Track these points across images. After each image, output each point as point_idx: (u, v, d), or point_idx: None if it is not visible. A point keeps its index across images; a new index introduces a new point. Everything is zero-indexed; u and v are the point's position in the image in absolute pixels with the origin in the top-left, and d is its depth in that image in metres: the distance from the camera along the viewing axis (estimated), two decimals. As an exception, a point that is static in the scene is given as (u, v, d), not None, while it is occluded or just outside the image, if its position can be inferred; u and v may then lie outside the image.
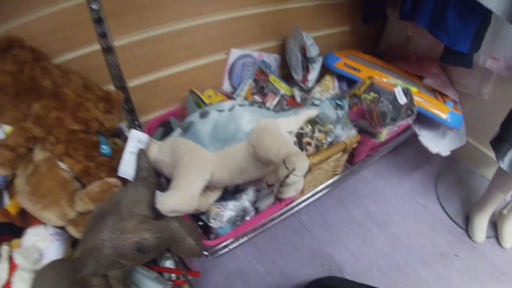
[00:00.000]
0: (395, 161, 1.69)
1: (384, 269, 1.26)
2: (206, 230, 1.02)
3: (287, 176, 0.75)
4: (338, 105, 1.07)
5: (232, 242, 1.09)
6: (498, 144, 1.13)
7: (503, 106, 1.11)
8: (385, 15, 1.68)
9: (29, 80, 0.89)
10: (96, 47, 1.06)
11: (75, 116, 0.90)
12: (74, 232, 0.88)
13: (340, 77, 1.40)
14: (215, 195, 0.98)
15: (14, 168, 0.88)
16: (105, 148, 0.95)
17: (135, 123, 1.23)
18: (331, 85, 1.32)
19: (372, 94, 1.11)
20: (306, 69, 1.30)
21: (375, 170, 1.64)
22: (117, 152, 0.98)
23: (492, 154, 1.18)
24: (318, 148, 1.07)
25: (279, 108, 1.04)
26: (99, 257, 0.73)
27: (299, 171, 0.75)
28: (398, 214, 1.45)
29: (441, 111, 1.26)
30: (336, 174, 1.31)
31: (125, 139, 1.07)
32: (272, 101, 1.29)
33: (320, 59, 1.33)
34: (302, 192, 1.23)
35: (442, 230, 1.41)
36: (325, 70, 1.41)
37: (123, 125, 1.15)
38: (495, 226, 1.42)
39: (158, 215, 0.82)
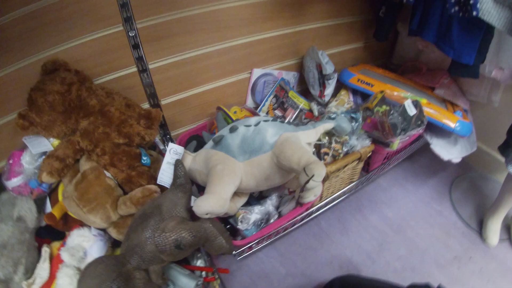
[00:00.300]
0: (411, 168, 1.77)
1: (400, 271, 1.33)
2: (234, 232, 1.13)
3: (307, 182, 0.86)
4: (352, 118, 1.18)
5: (257, 244, 1.18)
6: (505, 150, 1.20)
7: None
8: (396, 31, 1.78)
9: (76, 99, 1.03)
10: (133, 69, 1.20)
11: (119, 131, 1.02)
12: (115, 233, 0.99)
13: (355, 92, 1.51)
14: (242, 200, 1.10)
15: (62, 177, 0.99)
16: (145, 159, 1.07)
17: (167, 137, 1.38)
18: (346, 99, 1.44)
19: (384, 107, 1.23)
20: (322, 85, 1.43)
21: (391, 177, 1.72)
22: (153, 162, 1.11)
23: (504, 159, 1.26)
24: (335, 158, 1.18)
25: (299, 122, 1.16)
26: (142, 253, 0.83)
27: (318, 177, 0.85)
28: (413, 219, 1.52)
29: (450, 120, 1.35)
30: (353, 182, 1.41)
31: (159, 151, 1.22)
32: (292, 115, 1.42)
33: (335, 76, 1.45)
34: (321, 199, 1.33)
35: (456, 234, 1.47)
36: (341, 85, 1.53)
37: (156, 138, 1.27)
38: (508, 229, 1.48)
39: (193, 217, 0.93)
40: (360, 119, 1.20)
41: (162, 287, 0.91)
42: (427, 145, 1.47)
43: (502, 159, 1.24)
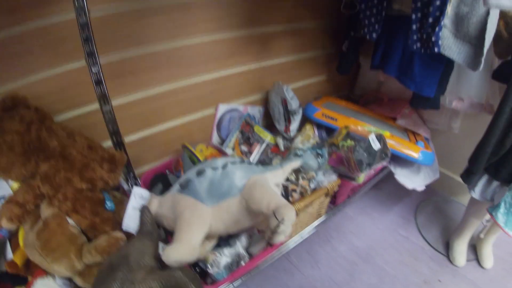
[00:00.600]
0: (376, 197, 1.85)
1: (372, 300, 1.37)
2: (204, 275, 1.12)
3: (277, 226, 0.88)
4: (318, 154, 1.22)
5: (228, 286, 1.20)
6: (468, 177, 1.28)
7: (472, 138, 1.24)
8: (358, 63, 1.87)
9: (36, 140, 1.00)
10: (96, 106, 1.16)
11: (82, 176, 1.01)
12: (81, 282, 0.97)
13: (319, 126, 1.56)
14: (211, 243, 1.10)
15: (22, 223, 0.97)
16: (109, 205, 1.07)
17: (132, 177, 1.36)
18: (311, 134, 1.49)
19: (348, 141, 1.29)
20: (288, 120, 1.48)
21: (358, 207, 1.79)
22: (117, 205, 1.10)
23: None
24: (302, 194, 1.22)
25: (265, 158, 1.19)
26: (112, 307, 0.81)
27: (288, 220, 0.88)
28: (381, 247, 1.59)
29: (413, 151, 1.43)
30: (320, 215, 1.45)
31: (123, 191, 1.21)
32: (258, 150, 1.46)
33: (300, 111, 1.51)
34: (290, 235, 1.35)
35: (424, 258, 1.55)
36: (305, 119, 1.58)
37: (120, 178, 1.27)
38: (474, 249, 1.56)
39: (162, 264, 0.92)
40: (326, 155, 1.24)
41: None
42: (391, 173, 1.54)
43: (464, 183, 1.32)
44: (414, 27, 1.19)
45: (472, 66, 1.13)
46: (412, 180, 1.51)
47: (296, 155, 1.19)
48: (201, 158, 1.26)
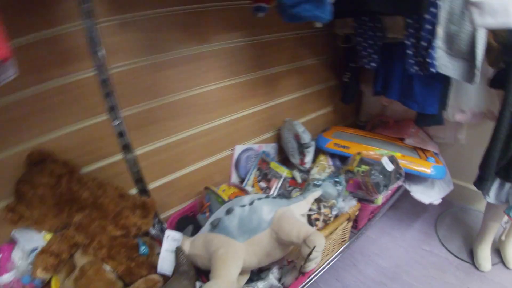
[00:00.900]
0: (394, 216, 1.90)
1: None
2: None
3: (310, 254, 0.94)
4: (336, 182, 1.30)
5: None
6: (481, 183, 1.32)
7: (479, 146, 1.29)
8: (361, 91, 1.96)
9: (67, 192, 1.06)
10: (119, 157, 1.23)
11: (116, 223, 1.08)
12: None
13: (333, 155, 1.64)
14: (244, 278, 1.15)
15: (57, 272, 1.01)
16: (143, 249, 1.13)
17: (157, 220, 1.43)
18: (326, 164, 1.57)
19: (363, 166, 1.37)
20: (302, 154, 1.57)
21: (379, 228, 1.84)
22: (150, 249, 1.15)
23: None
24: (326, 222, 1.29)
25: (285, 191, 1.25)
26: None
27: (319, 247, 0.94)
28: (407, 264, 1.62)
29: (425, 167, 1.49)
30: (345, 241, 1.50)
31: (151, 236, 1.27)
32: (276, 185, 1.54)
33: (313, 143, 1.60)
34: (319, 263, 1.41)
35: (450, 269, 1.57)
36: (318, 150, 1.66)
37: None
38: (498, 252, 1.60)
39: None
40: (344, 182, 1.33)
41: None
42: (406, 192, 1.59)
43: (478, 190, 1.37)
44: (409, 52, 1.28)
45: (469, 80, 1.20)
46: (428, 195, 1.56)
47: (315, 185, 1.27)
48: (225, 197, 1.34)
